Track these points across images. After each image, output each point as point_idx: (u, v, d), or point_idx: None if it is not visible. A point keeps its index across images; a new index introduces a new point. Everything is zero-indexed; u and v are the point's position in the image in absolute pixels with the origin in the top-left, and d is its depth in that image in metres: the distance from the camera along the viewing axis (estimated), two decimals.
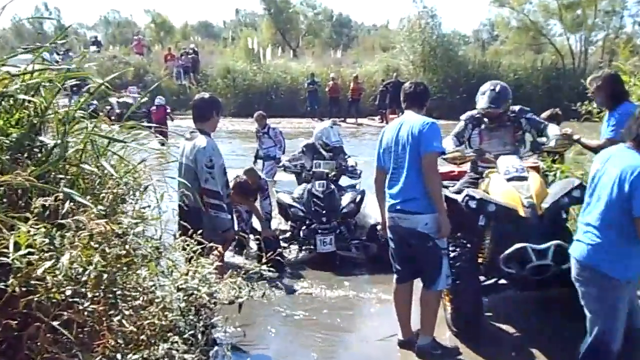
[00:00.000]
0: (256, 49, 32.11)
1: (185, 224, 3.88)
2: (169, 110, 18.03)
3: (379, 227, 7.36)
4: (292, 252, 7.62)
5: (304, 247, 7.51)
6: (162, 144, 6.68)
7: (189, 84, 28.62)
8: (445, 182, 5.99)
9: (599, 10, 31.68)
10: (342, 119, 25.59)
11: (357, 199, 7.64)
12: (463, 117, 6.05)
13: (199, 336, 3.36)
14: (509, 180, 5.27)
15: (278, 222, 8.17)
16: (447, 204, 5.06)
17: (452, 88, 27.73)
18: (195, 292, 3.36)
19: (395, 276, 5.09)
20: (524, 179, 5.26)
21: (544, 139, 5.76)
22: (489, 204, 5.10)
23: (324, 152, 8.00)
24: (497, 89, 5.78)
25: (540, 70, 29.89)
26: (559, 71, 30.02)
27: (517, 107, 5.92)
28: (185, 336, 3.28)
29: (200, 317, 3.52)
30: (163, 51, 32.89)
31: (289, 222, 7.91)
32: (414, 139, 4.64)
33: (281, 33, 41.59)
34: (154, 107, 17.54)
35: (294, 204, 7.61)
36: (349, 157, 8.36)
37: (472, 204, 5.13)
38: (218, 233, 4.89)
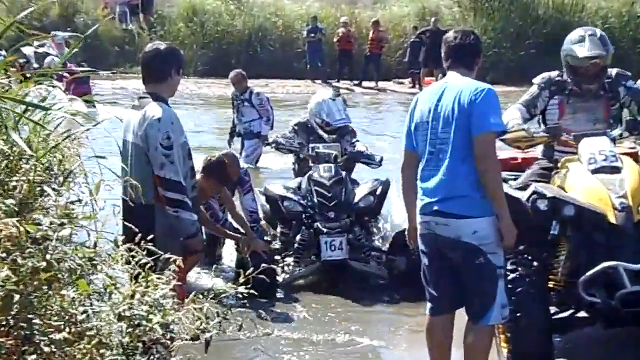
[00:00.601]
0: None
1: (131, 226, 3.88)
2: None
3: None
4: (285, 269, 7.58)
5: (302, 258, 7.52)
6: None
7: (138, 28, 28.65)
8: (503, 174, 5.94)
9: None
10: (357, 82, 25.61)
11: (379, 191, 7.70)
12: (537, 80, 6.07)
13: None
14: (594, 171, 5.24)
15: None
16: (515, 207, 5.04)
17: (514, 41, 27.82)
18: (144, 322, 3.37)
19: (428, 306, 5.02)
20: (617, 170, 5.23)
21: None
22: (567, 205, 5.05)
23: (323, 134, 8.06)
24: (598, 34, 5.83)
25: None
26: None
27: (614, 71, 5.94)
28: None
29: (151, 358, 3.53)
30: None
31: (279, 228, 7.92)
32: (462, 112, 4.59)
33: None
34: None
35: (289, 195, 7.62)
36: (358, 141, 8.47)
37: (542, 206, 5.14)
38: (178, 240, 4.91)
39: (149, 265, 3.53)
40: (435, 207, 4.71)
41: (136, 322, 3.35)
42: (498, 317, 4.76)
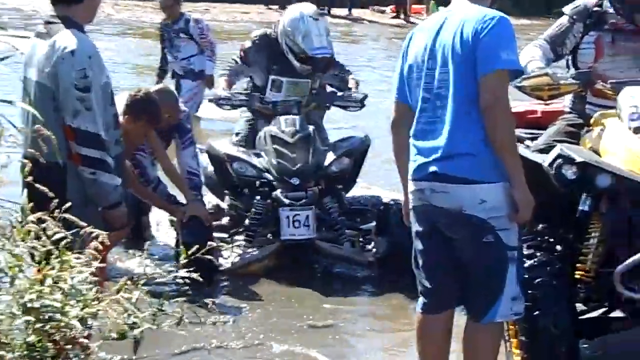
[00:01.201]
0: None
1: (44, 189, 3.84)
2: None
3: (394, 205, 7.51)
4: (233, 250, 7.59)
5: (256, 237, 7.51)
6: None
7: None
8: (518, 131, 5.82)
9: None
10: (323, 8, 25.59)
11: (356, 151, 7.73)
12: (568, 9, 6.04)
13: None
14: (636, 130, 5.23)
15: (208, 201, 8.09)
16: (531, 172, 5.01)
17: None
18: (58, 315, 3.35)
19: (421, 301, 5.00)
20: None
21: None
22: (602, 173, 4.98)
23: (294, 62, 7.96)
24: None
25: None
26: None
27: None
28: None
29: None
30: None
31: (227, 198, 7.91)
32: (466, 47, 4.52)
33: None
34: None
35: (240, 155, 7.56)
36: (347, 72, 8.43)
37: (570, 173, 5.05)
38: (96, 210, 4.90)
39: (64, 241, 3.51)
40: (432, 169, 4.64)
41: (47, 316, 3.34)
42: (507, 313, 4.73)
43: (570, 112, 5.99)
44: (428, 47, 4.70)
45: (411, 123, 4.83)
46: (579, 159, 4.99)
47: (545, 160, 5.21)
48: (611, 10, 5.85)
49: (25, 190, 4.27)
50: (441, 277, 4.87)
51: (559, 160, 5.05)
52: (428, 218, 4.78)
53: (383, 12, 26.05)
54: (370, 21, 25.04)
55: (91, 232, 3.67)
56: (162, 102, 7.15)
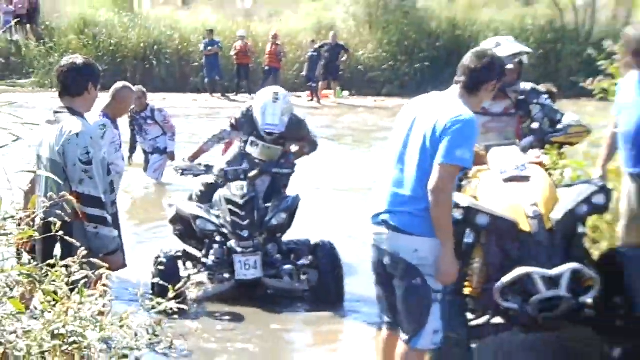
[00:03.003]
0: None
1: (71, 240, 3.82)
2: None
3: (321, 244, 7.57)
4: (196, 287, 7.55)
5: (215, 276, 7.48)
6: None
7: (25, 39, 27.99)
8: None
9: None
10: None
11: (290, 207, 7.72)
12: None
13: None
14: (506, 180, 5.40)
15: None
16: None
17: (409, 54, 28.34)
18: (80, 339, 3.34)
19: (385, 319, 4.98)
20: (527, 179, 5.39)
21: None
22: (481, 214, 5.15)
23: (264, 135, 7.89)
24: (512, 38, 6.17)
25: (531, 29, 30.73)
26: (557, 31, 30.97)
27: (528, 85, 6.14)
28: None
29: None
30: None
31: (191, 246, 7.88)
32: (433, 136, 4.47)
33: None
34: None
35: (202, 214, 7.57)
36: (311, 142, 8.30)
37: (457, 215, 5.05)
38: (99, 256, 4.87)
39: (83, 281, 3.51)
40: (382, 218, 4.61)
41: (71, 340, 3.33)
42: (428, 344, 4.63)
43: None
44: (411, 123, 4.64)
45: None
46: (463, 204, 5.10)
47: None
48: None
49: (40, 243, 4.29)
50: (391, 304, 4.80)
51: None
52: (378, 255, 4.71)
53: (300, 97, 25.98)
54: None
55: (101, 274, 3.69)
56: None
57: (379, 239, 4.64)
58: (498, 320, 5.39)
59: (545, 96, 6.17)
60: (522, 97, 6.03)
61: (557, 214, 5.19)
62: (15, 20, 28.01)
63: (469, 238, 5.27)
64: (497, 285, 5.01)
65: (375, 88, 27.19)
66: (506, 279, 4.98)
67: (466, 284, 5.45)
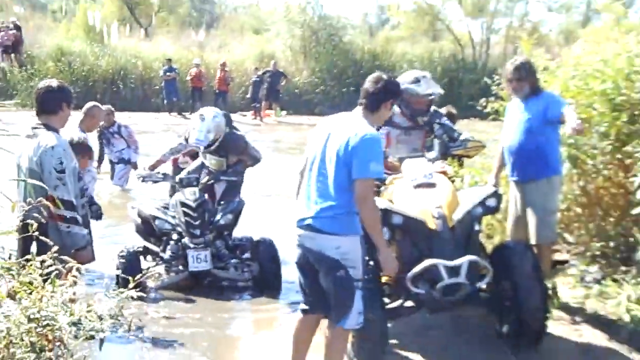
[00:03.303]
0: (98, 27, 31.41)
1: (46, 240, 3.77)
2: None
3: (262, 240, 7.56)
4: (155, 278, 7.50)
5: (171, 268, 7.44)
6: None
7: (10, 66, 27.46)
8: None
9: None
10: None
11: (236, 210, 7.70)
12: None
13: None
14: (416, 187, 5.50)
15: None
16: None
17: (337, 79, 28.57)
18: (52, 322, 3.29)
19: (301, 306, 4.97)
20: (433, 185, 5.49)
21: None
22: (394, 215, 5.23)
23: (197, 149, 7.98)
24: (429, 76, 6.25)
25: (438, 61, 31.19)
26: (459, 63, 31.46)
27: (432, 109, 6.31)
28: None
29: (58, 354, 3.44)
30: None
31: (150, 242, 7.80)
32: (346, 155, 4.47)
33: (129, 8, 40.80)
34: None
35: (160, 214, 7.52)
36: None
37: None
38: (71, 252, 4.80)
39: (55, 273, 3.47)
40: (307, 222, 4.60)
41: (45, 323, 3.28)
42: (354, 323, 4.65)
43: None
44: (325, 141, 4.63)
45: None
46: (381, 207, 5.08)
47: None
48: (396, 114, 6.20)
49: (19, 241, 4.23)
50: (313, 292, 4.80)
51: None
52: (304, 254, 4.72)
53: (245, 115, 25.93)
54: (237, 122, 24.78)
55: (71, 266, 3.64)
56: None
57: (303, 240, 4.64)
58: (409, 303, 5.45)
59: (445, 118, 6.37)
60: (426, 118, 6.22)
61: (458, 214, 5.29)
62: (1, 50, 27.66)
63: (385, 235, 5.17)
64: (408, 275, 5.05)
65: (310, 108, 27.09)
66: (416, 269, 5.04)
67: (382, 274, 5.38)
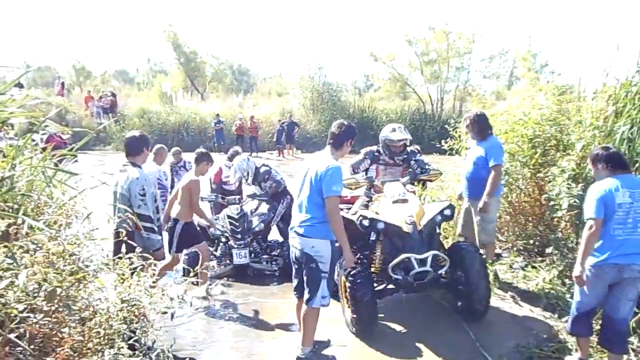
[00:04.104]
0: (168, 93, 31.67)
1: (130, 243, 3.78)
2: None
3: (284, 244, 7.50)
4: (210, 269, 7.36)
5: (221, 262, 7.36)
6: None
7: (108, 121, 27.55)
8: (341, 205, 6.05)
9: (451, 67, 33.63)
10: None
11: (267, 220, 7.66)
12: (363, 151, 6.33)
13: (142, 341, 3.28)
14: (394, 202, 5.51)
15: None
16: (345, 223, 5.11)
17: None
18: (138, 302, 3.29)
19: (293, 292, 4.96)
20: (406, 201, 5.52)
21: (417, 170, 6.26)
22: (379, 222, 5.30)
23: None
24: (402, 126, 6.30)
25: (407, 113, 31.19)
26: (422, 114, 31.44)
27: (409, 149, 6.39)
28: (130, 342, 3.20)
29: (142, 325, 3.43)
30: (83, 94, 31.61)
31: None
32: (317, 180, 4.49)
33: (190, 79, 40.96)
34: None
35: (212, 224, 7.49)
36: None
37: (365, 223, 5.32)
38: (149, 252, 4.78)
39: (140, 267, 3.46)
40: (295, 229, 4.65)
41: (132, 303, 3.27)
42: (319, 303, 4.62)
43: (365, 196, 6.22)
44: (307, 170, 4.63)
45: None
46: (369, 216, 5.34)
47: (354, 218, 5.48)
48: (382, 154, 6.32)
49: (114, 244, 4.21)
50: (299, 280, 4.81)
51: (360, 217, 5.35)
52: (294, 251, 4.73)
53: (272, 154, 25.90)
54: (267, 158, 24.82)
55: (151, 262, 3.63)
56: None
57: (294, 241, 4.68)
58: (391, 286, 5.46)
59: (418, 154, 6.53)
60: (406, 155, 6.29)
61: (424, 221, 5.31)
62: (102, 111, 27.83)
63: (372, 237, 5.41)
64: (390, 265, 5.10)
65: (318, 148, 26.30)
66: (395, 261, 5.07)
67: (372, 265, 5.46)
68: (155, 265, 3.69)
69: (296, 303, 4.96)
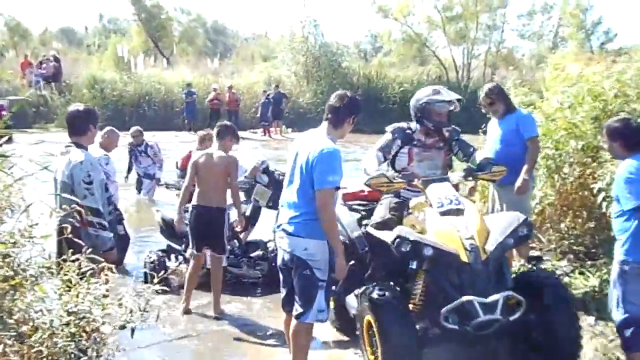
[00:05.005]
0: (126, 58, 31.62)
1: (77, 242, 3.79)
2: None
3: (270, 244, 7.55)
4: (178, 276, 7.43)
5: None
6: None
7: (50, 94, 27.56)
8: (355, 204, 5.82)
9: (481, 24, 33.65)
10: None
11: (249, 214, 7.71)
12: (389, 128, 5.58)
13: None
14: (443, 213, 4.77)
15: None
16: (371, 243, 4.93)
17: None
18: (87, 315, 3.31)
19: (282, 301, 4.92)
20: (461, 212, 4.78)
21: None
22: (426, 247, 4.49)
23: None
24: (446, 87, 5.59)
25: (425, 82, 31.13)
26: (444, 84, 31.43)
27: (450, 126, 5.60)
28: None
29: (94, 342, 3.46)
30: (19, 59, 31.56)
31: (173, 242, 7.79)
32: (308, 168, 4.48)
33: (153, 40, 40.92)
34: None
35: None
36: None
37: (405, 248, 4.54)
38: (100, 253, 4.81)
39: (89, 272, 3.48)
40: (282, 226, 4.65)
41: (81, 316, 3.29)
42: (314, 318, 4.60)
43: (387, 194, 5.31)
44: (297, 154, 4.65)
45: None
46: (412, 238, 4.52)
47: (387, 238, 4.70)
48: (417, 131, 5.47)
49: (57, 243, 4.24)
50: (288, 289, 4.77)
51: (398, 240, 4.53)
52: (281, 253, 4.73)
53: (255, 133, 25.99)
54: (248, 138, 24.78)
55: (104, 266, 3.65)
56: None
57: (282, 242, 4.66)
58: (436, 331, 4.71)
59: (462, 135, 5.63)
60: (447, 133, 5.49)
61: (490, 246, 4.59)
62: (43, 80, 27.79)
63: (412, 264, 4.70)
64: (443, 310, 4.41)
65: (313, 125, 25.80)
66: (452, 306, 4.39)
67: (411, 300, 4.85)
68: (110, 269, 3.71)
69: (284, 318, 4.95)
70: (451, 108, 5.36)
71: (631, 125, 4.59)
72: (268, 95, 25.75)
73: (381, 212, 5.28)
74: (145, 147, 12.40)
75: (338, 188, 4.56)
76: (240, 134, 27.04)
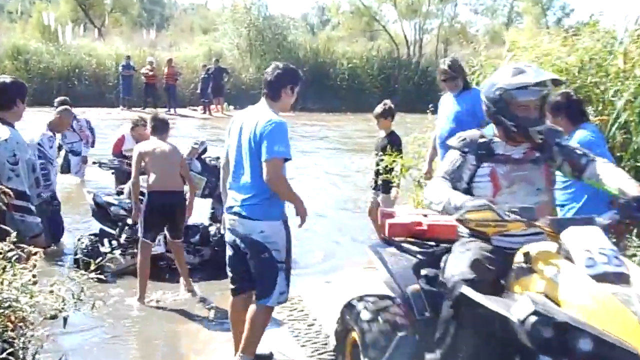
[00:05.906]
0: (53, 27, 30.81)
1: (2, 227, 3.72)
2: None
3: (211, 229, 7.53)
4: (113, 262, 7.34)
5: (127, 250, 7.32)
6: None
7: None
8: (407, 245, 4.16)
9: None
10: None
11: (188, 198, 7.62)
12: (455, 143, 3.82)
13: (20, 355, 3.26)
14: (597, 278, 2.93)
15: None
16: (434, 303, 3.60)
17: None
18: (14, 303, 3.25)
19: (231, 287, 4.95)
20: (626, 279, 2.96)
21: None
22: (584, 337, 2.74)
23: None
24: (535, 66, 4.08)
25: (375, 59, 31.44)
26: (395, 60, 31.74)
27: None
28: (3, 356, 3.17)
29: (21, 334, 3.40)
30: None
31: (106, 227, 7.70)
32: (255, 141, 4.53)
33: (83, 9, 40.06)
34: None
35: (114, 202, 7.43)
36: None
37: (546, 333, 2.80)
38: (26, 239, 4.71)
39: (15, 257, 3.42)
40: (235, 209, 4.69)
41: (7, 304, 3.23)
42: (275, 301, 4.72)
43: (473, 236, 3.68)
44: (240, 132, 4.68)
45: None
46: (559, 319, 2.78)
47: (515, 314, 2.89)
48: (496, 139, 3.73)
49: None
50: (240, 273, 4.83)
51: (534, 318, 2.80)
52: (234, 237, 4.76)
53: (195, 110, 25.77)
54: (187, 116, 24.57)
55: (31, 251, 3.59)
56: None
57: (233, 225, 4.71)
58: None
59: (561, 135, 3.82)
60: (541, 137, 3.61)
61: None
62: None
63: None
64: None
65: (256, 102, 26.54)
66: None
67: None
68: (38, 254, 3.64)
69: (230, 301, 4.98)
70: (544, 93, 3.62)
71: (571, 97, 4.82)
72: (208, 70, 25.50)
73: (462, 262, 3.50)
74: (74, 123, 12.11)
75: (286, 160, 4.62)
76: (179, 111, 26.83)
